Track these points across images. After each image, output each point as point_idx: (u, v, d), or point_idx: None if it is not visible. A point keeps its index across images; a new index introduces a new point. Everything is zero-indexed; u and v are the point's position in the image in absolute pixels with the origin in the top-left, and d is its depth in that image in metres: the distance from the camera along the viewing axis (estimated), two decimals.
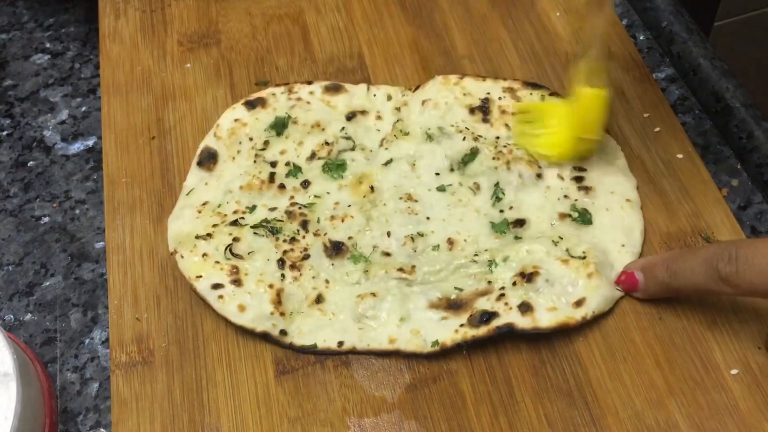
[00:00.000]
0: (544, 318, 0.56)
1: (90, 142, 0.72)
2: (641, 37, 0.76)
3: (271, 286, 0.59)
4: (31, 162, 0.71)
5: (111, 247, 0.63)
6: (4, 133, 0.74)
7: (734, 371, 0.56)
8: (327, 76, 0.73)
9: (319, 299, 0.59)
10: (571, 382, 0.56)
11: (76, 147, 0.72)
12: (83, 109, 0.75)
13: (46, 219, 0.68)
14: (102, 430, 0.57)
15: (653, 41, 0.75)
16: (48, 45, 0.80)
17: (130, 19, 0.78)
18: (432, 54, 0.74)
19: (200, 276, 0.59)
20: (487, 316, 0.56)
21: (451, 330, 0.57)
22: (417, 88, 0.70)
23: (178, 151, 0.68)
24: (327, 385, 0.57)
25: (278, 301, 0.58)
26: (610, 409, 0.55)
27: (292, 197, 0.64)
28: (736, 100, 0.68)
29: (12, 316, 0.63)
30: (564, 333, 0.57)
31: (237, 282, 0.59)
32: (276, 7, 0.78)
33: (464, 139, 0.65)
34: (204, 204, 0.64)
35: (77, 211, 0.68)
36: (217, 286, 0.58)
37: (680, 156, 0.66)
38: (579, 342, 0.58)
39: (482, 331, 0.56)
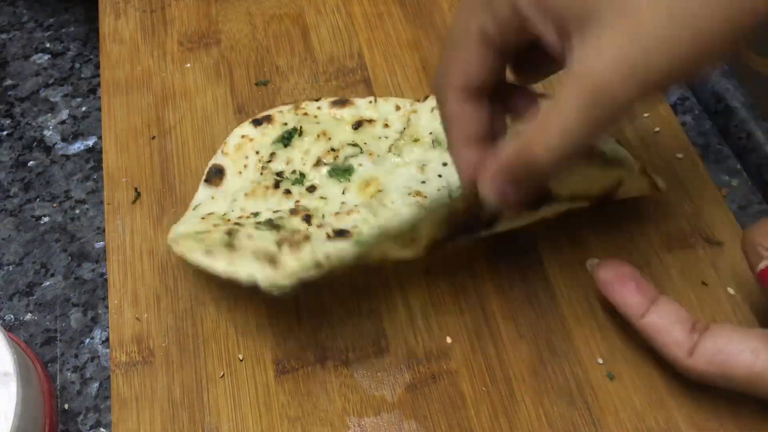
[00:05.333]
0: None
1: (90, 142, 0.72)
2: None
3: (266, 255, 0.56)
4: (31, 162, 0.71)
5: (111, 247, 0.63)
6: (4, 133, 0.74)
7: None
8: (327, 76, 0.73)
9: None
10: (571, 382, 0.56)
11: (76, 147, 0.72)
12: (83, 109, 0.75)
13: (46, 219, 0.68)
14: (102, 429, 0.57)
15: None
16: (48, 45, 0.80)
17: (130, 19, 0.78)
18: (432, 54, 0.74)
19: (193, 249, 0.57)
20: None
21: None
22: (426, 98, 0.69)
23: (178, 151, 0.68)
24: (327, 384, 0.57)
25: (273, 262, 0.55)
26: (610, 409, 0.55)
27: (297, 201, 0.63)
28: (736, 100, 0.68)
29: (12, 316, 0.63)
30: (564, 333, 0.57)
31: (231, 247, 0.56)
32: (276, 7, 0.78)
33: None
34: (209, 214, 0.63)
35: (77, 211, 0.68)
36: (209, 253, 0.56)
37: (680, 156, 0.66)
38: (579, 342, 0.58)
39: None
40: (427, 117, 0.67)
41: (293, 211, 0.62)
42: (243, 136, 0.67)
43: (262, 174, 0.65)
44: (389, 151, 0.66)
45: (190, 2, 0.79)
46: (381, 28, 0.76)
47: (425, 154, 0.65)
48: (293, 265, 0.54)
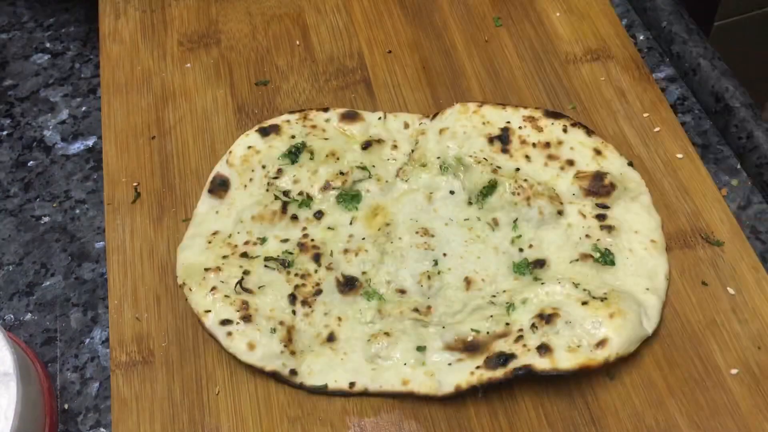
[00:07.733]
0: (564, 359, 0.54)
1: (90, 142, 0.72)
2: (641, 37, 0.76)
3: (281, 323, 0.57)
4: (31, 162, 0.71)
5: (111, 247, 0.63)
6: (4, 133, 0.74)
7: (734, 371, 0.56)
8: (327, 75, 0.73)
9: (330, 337, 0.58)
10: (571, 382, 0.56)
11: (76, 147, 0.72)
12: (83, 109, 0.75)
13: (46, 219, 0.68)
14: (102, 429, 0.57)
15: (653, 41, 0.75)
16: (48, 45, 0.80)
17: (130, 19, 0.78)
18: (432, 54, 0.74)
19: (209, 311, 0.57)
20: (505, 358, 0.55)
21: (466, 372, 0.55)
22: (435, 115, 0.67)
23: (178, 151, 0.68)
24: None
25: (289, 339, 0.57)
26: (610, 409, 0.55)
27: (304, 228, 0.62)
28: (736, 100, 0.68)
29: (12, 316, 0.63)
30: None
31: (247, 318, 0.57)
32: (276, 7, 0.78)
33: (482, 171, 0.63)
34: (214, 234, 0.62)
35: (77, 211, 0.68)
36: (225, 322, 0.57)
37: (680, 156, 0.66)
38: None
39: (499, 373, 0.54)
40: (435, 139, 0.65)
41: (302, 246, 0.61)
42: (249, 147, 0.65)
43: (267, 190, 0.64)
44: (397, 175, 0.65)
45: (190, 2, 0.79)
46: (381, 28, 0.76)
47: (433, 180, 0.64)
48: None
